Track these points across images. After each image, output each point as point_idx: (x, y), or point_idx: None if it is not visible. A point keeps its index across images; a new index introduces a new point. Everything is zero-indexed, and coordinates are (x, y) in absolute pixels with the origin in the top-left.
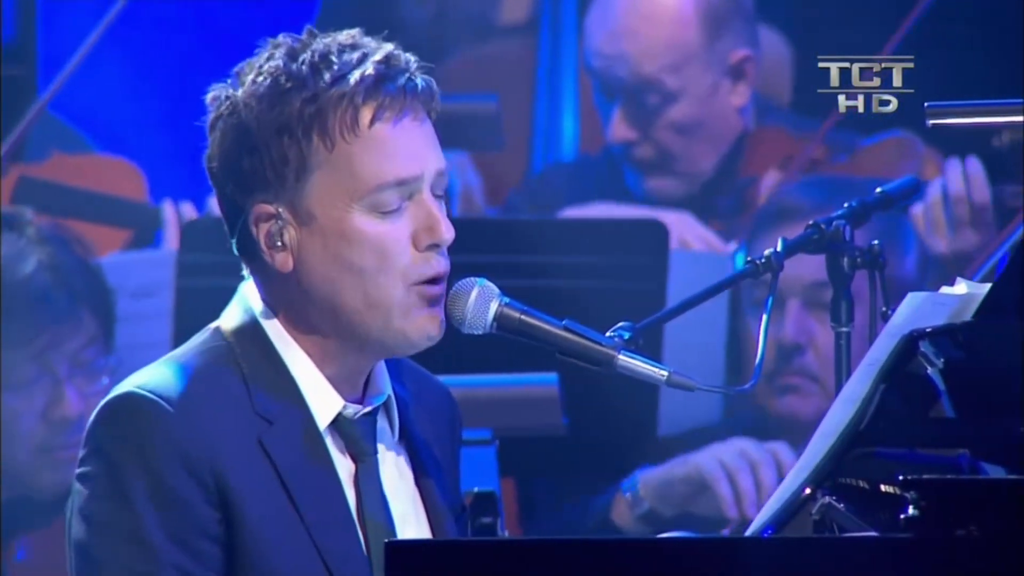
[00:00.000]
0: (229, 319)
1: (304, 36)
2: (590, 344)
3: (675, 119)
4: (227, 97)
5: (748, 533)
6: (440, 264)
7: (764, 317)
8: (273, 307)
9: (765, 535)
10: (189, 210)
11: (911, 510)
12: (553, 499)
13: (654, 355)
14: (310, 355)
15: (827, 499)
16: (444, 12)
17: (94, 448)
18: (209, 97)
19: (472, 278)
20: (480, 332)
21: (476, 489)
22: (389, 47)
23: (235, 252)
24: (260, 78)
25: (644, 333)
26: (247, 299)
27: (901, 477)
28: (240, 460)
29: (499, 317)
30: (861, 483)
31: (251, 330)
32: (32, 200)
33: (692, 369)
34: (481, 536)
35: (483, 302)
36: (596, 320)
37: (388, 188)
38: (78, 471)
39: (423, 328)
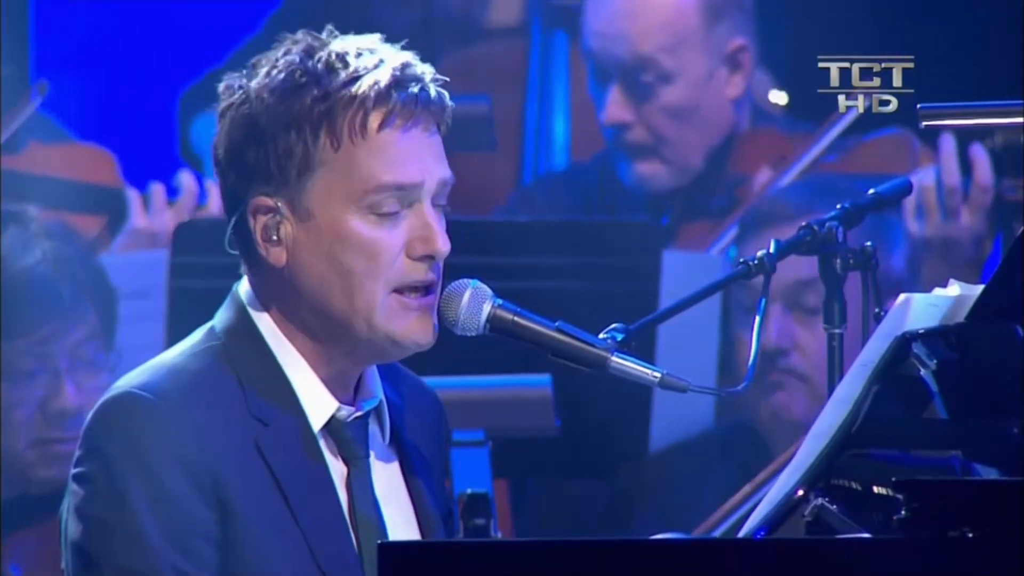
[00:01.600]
0: (223, 319)
1: (324, 35)
2: (583, 346)
3: (669, 102)
4: (240, 87)
5: (741, 534)
6: (428, 274)
7: (757, 319)
8: (265, 303)
9: (758, 536)
10: (159, 191)
11: (904, 511)
12: (546, 500)
13: (647, 357)
14: (303, 356)
15: (820, 500)
16: (432, 14)
17: (90, 448)
18: (222, 86)
19: (465, 280)
20: (473, 334)
21: (469, 490)
22: (408, 55)
23: (229, 244)
24: (275, 71)
25: (637, 335)
26: (241, 299)
27: (894, 479)
28: (236, 461)
29: (492, 319)
30: (854, 484)
31: (245, 330)
32: (10, 191)
33: (685, 370)
34: (474, 537)
35: (476, 304)
36: (589, 322)
37: (387, 191)
38: (74, 471)
39: (409, 333)
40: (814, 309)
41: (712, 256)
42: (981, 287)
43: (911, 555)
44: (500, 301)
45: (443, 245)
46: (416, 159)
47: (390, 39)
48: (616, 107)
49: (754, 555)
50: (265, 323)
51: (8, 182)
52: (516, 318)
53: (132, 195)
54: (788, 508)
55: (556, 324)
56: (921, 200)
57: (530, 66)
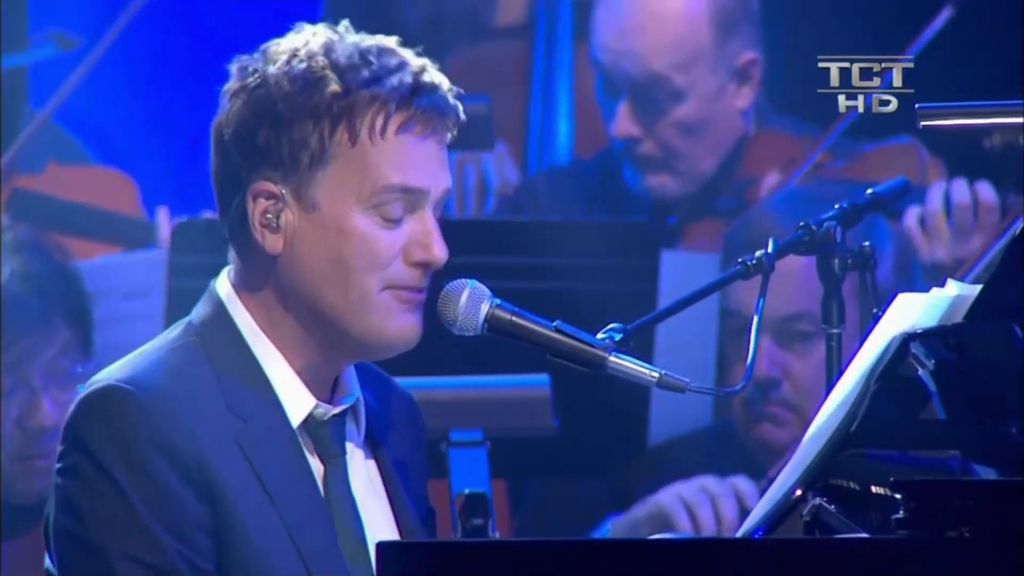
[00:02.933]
0: (200, 313)
1: (341, 29)
2: (581, 345)
3: (680, 118)
4: (256, 70)
5: (739, 534)
6: (421, 281)
7: (755, 319)
8: (251, 290)
9: (756, 536)
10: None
11: (902, 512)
12: (544, 500)
13: (645, 356)
14: (281, 351)
15: (818, 500)
16: (439, 13)
17: (75, 443)
18: (235, 66)
19: (463, 279)
20: (471, 333)
21: (467, 490)
22: (426, 61)
23: (220, 221)
24: (296, 60)
25: (635, 334)
26: (219, 293)
27: (892, 479)
28: (219, 458)
29: (490, 318)
30: (852, 484)
31: (222, 325)
32: (26, 213)
33: (683, 370)
34: (472, 537)
35: (474, 303)
36: (587, 321)
37: (395, 192)
38: (58, 466)
39: (401, 331)
40: (808, 334)
41: (710, 256)
42: (979, 287)
43: (909, 555)
44: (498, 301)
45: (440, 252)
46: (427, 167)
47: (401, 34)
48: (626, 122)
49: (752, 555)
50: (242, 317)
51: (26, 203)
52: (514, 318)
53: (161, 216)
54: (786, 508)
55: (554, 324)
56: (931, 224)
57: (534, 65)
